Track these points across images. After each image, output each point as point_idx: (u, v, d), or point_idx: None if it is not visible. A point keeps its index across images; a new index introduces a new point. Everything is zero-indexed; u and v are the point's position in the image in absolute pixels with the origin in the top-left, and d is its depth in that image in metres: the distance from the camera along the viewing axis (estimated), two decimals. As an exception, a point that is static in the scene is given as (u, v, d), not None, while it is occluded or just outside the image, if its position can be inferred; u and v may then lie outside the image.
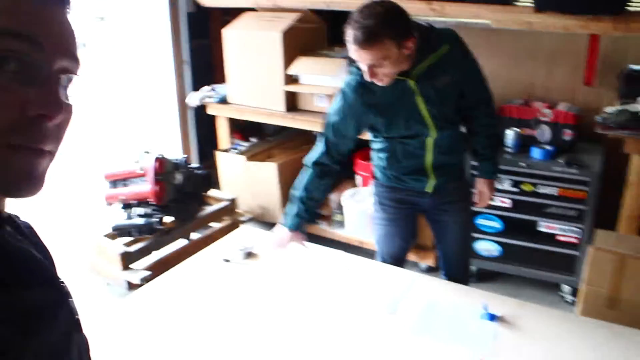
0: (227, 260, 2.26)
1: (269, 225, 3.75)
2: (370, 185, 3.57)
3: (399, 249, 2.41)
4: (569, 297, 3.10)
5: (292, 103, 3.58)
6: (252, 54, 3.52)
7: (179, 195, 3.24)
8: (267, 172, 3.60)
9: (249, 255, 2.29)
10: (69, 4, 0.70)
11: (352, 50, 1.85)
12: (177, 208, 3.24)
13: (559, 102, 3.15)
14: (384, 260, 2.41)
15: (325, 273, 2.16)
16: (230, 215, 3.66)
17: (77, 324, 0.84)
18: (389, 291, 2.03)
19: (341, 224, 3.66)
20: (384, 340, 1.77)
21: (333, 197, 3.65)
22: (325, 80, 3.35)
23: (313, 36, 3.63)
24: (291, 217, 2.22)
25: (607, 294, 2.49)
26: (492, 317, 1.86)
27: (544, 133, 3.03)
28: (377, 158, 2.28)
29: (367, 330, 1.82)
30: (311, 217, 2.27)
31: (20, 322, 0.67)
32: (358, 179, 3.73)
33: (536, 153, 2.97)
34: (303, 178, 2.21)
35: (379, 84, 1.93)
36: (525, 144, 3.05)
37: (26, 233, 0.80)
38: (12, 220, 0.78)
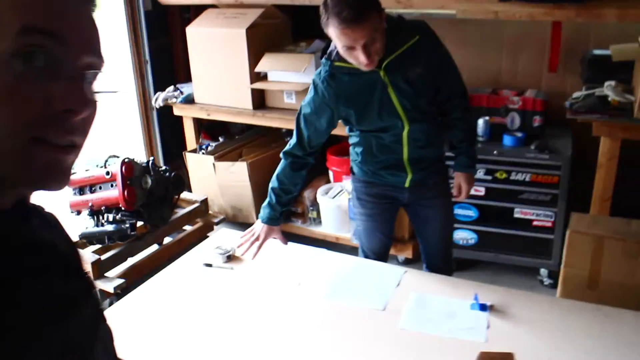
0: (209, 265, 2.20)
1: (244, 225, 3.70)
2: (343, 180, 3.57)
3: (381, 243, 2.40)
4: (547, 280, 3.16)
5: (260, 101, 3.53)
6: (217, 52, 3.46)
7: (150, 199, 3.15)
8: (238, 172, 3.54)
9: (230, 258, 2.24)
10: (94, 2, 0.73)
11: (341, 34, 1.80)
12: (148, 213, 3.15)
13: (526, 89, 3.20)
14: (367, 256, 2.40)
15: (311, 272, 2.13)
16: (203, 217, 3.60)
17: (101, 314, 0.87)
18: (377, 287, 2.01)
19: (316, 220, 3.63)
20: (376, 337, 1.76)
21: (307, 194, 3.62)
22: (293, 77, 3.31)
23: (277, 32, 3.58)
24: (263, 209, 2.23)
25: (586, 275, 2.54)
26: (483, 307, 1.86)
27: (514, 120, 3.07)
28: (354, 153, 2.26)
29: (359, 328, 1.80)
30: (283, 208, 2.24)
31: (49, 310, 0.70)
32: (331, 175, 3.71)
33: (507, 140, 3.01)
34: (277, 169, 2.22)
35: (368, 68, 1.89)
36: (495, 132, 3.09)
37: (52, 224, 0.83)
38: (38, 211, 0.80)
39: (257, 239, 2.21)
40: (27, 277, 0.68)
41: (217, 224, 3.62)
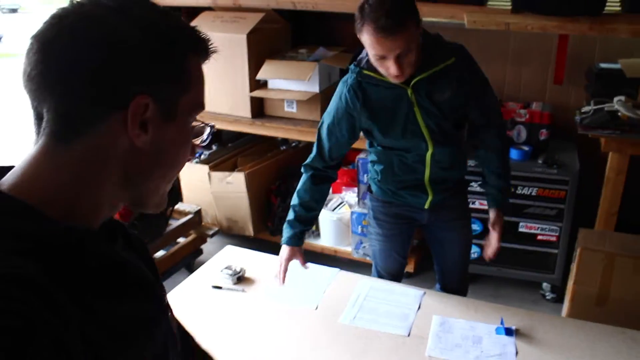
0: (218, 287, 2.10)
1: (239, 238, 3.61)
2: (343, 192, 3.50)
3: (396, 264, 2.33)
4: (550, 295, 3.14)
5: (259, 109, 3.42)
6: (215, 58, 3.32)
7: (144, 212, 3.03)
8: (235, 182, 3.43)
9: (240, 279, 2.15)
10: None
11: (375, 43, 1.72)
12: (143, 226, 3.03)
13: (530, 102, 3.17)
14: (380, 276, 2.33)
15: (328, 293, 2.05)
16: (196, 228, 3.48)
17: (174, 338, 0.91)
18: (398, 310, 1.95)
19: (315, 233, 3.55)
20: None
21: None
22: (295, 85, 3.22)
23: (277, 38, 3.48)
24: (284, 230, 2.13)
25: (595, 292, 2.51)
26: (509, 331, 1.82)
27: (520, 133, 3.04)
28: (374, 171, 2.18)
29: (384, 355, 1.73)
30: (304, 227, 2.12)
31: (124, 331, 0.73)
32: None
33: (514, 154, 2.97)
34: (298, 184, 2.13)
35: (398, 80, 1.82)
36: (501, 144, 3.05)
37: (136, 245, 0.88)
38: (124, 231, 0.87)
39: (280, 265, 2.09)
40: (107, 296, 0.72)
41: (211, 236, 3.51)
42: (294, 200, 2.12)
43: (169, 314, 0.91)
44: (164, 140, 0.76)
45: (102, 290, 0.71)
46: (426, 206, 2.13)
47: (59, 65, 0.70)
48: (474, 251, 3.15)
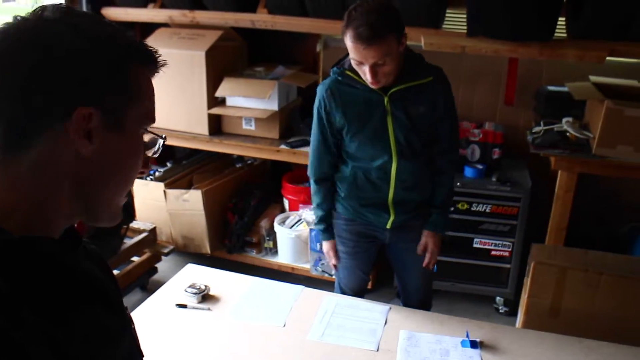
0: (183, 306, 2.06)
1: (194, 256, 3.55)
2: (300, 209, 3.51)
3: (360, 281, 2.36)
4: (503, 308, 3.23)
5: (217, 126, 3.41)
6: (173, 74, 3.30)
7: (99, 230, 2.95)
8: (192, 200, 3.38)
9: (205, 298, 2.12)
10: None
11: (355, 50, 1.83)
12: (97, 245, 2.92)
13: (483, 122, 3.28)
14: (344, 293, 2.35)
15: (294, 310, 2.04)
16: (151, 247, 3.41)
17: (139, 351, 0.92)
18: (365, 325, 1.96)
19: (272, 250, 3.54)
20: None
21: (263, 223, 3.52)
22: (254, 103, 3.23)
23: (235, 55, 3.49)
24: (318, 231, 2.35)
25: (548, 304, 2.61)
26: (474, 344, 1.86)
27: (474, 152, 3.13)
28: (339, 190, 2.22)
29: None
30: (328, 221, 2.29)
31: (93, 339, 0.74)
32: (286, 203, 3.63)
33: (469, 172, 3.07)
34: (313, 192, 2.26)
35: (375, 86, 1.92)
36: (456, 163, 3.14)
37: (94, 256, 0.88)
38: (83, 242, 0.87)
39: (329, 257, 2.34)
40: (75, 307, 0.72)
41: (166, 254, 3.45)
42: (313, 203, 2.31)
43: (132, 326, 0.91)
44: (112, 150, 0.77)
45: (67, 302, 0.71)
46: (388, 226, 2.18)
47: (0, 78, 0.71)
48: (430, 267, 3.22)
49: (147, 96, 0.81)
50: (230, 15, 3.21)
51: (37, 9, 0.74)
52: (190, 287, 2.12)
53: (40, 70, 0.70)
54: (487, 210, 3.05)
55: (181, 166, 3.79)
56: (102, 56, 0.74)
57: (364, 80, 1.95)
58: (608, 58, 2.68)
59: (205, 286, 2.13)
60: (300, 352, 1.84)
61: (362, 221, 2.21)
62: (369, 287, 3.33)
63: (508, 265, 3.13)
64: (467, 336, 1.88)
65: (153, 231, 3.42)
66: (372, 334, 1.93)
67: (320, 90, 2.07)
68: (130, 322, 0.90)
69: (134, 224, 3.42)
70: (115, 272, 3.21)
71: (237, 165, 3.79)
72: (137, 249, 3.31)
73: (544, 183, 3.03)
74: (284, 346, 1.86)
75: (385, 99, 1.97)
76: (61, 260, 0.73)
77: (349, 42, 1.83)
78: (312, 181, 2.23)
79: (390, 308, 2.08)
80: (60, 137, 0.72)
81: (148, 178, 3.58)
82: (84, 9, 3.49)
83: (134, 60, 0.78)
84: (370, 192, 2.13)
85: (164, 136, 0.88)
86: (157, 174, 3.64)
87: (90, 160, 0.75)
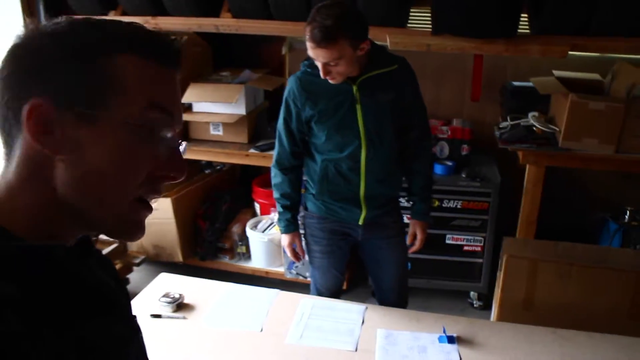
0: (157, 316, 2.03)
1: (166, 265, 3.50)
2: (272, 213, 3.49)
3: (335, 280, 2.36)
4: (477, 303, 3.26)
5: (184, 132, 3.37)
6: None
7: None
8: (162, 208, 3.34)
9: (180, 306, 2.09)
10: (180, 69, 0.79)
11: (309, 48, 1.89)
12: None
13: (450, 118, 3.31)
14: (320, 294, 2.35)
15: (271, 315, 2.03)
16: (121, 258, 3.35)
17: (146, 358, 0.91)
18: (343, 326, 1.96)
19: (245, 255, 3.51)
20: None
21: (235, 228, 3.49)
22: (221, 108, 3.20)
23: (199, 61, 3.46)
24: (280, 222, 2.32)
25: (522, 297, 2.64)
26: (451, 339, 1.88)
27: (443, 149, 3.16)
28: (310, 186, 2.24)
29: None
30: (292, 212, 2.30)
31: (102, 350, 0.72)
32: (257, 207, 3.61)
33: (438, 169, 3.09)
34: (277, 182, 2.27)
35: (332, 81, 1.96)
36: (426, 160, 3.16)
37: (106, 265, 0.87)
38: (95, 250, 0.84)
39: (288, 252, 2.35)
40: (85, 316, 0.71)
41: (137, 264, 3.40)
42: (275, 194, 2.29)
43: (140, 335, 0.89)
44: (88, 147, 0.69)
45: (77, 309, 0.69)
46: (360, 222, 2.19)
47: None
48: (404, 265, 3.24)
49: (142, 88, 0.72)
50: (193, 21, 3.18)
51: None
52: (164, 296, 2.09)
53: (5, 69, 0.69)
54: (458, 207, 3.08)
55: (150, 174, 3.74)
56: (65, 47, 0.69)
57: None
58: (570, 52, 2.73)
59: (180, 295, 2.11)
60: (279, 356, 1.83)
61: (334, 218, 2.21)
62: (344, 287, 3.34)
63: (480, 260, 3.16)
64: (444, 332, 1.90)
65: (123, 242, 3.36)
66: (350, 334, 1.93)
67: (290, 82, 2.10)
68: (138, 331, 0.88)
69: (103, 236, 3.35)
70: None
71: (206, 172, 3.75)
72: (107, 260, 3.25)
73: (513, 177, 3.07)
74: (262, 351, 1.85)
75: (354, 88, 2.02)
76: (72, 269, 0.71)
77: (306, 38, 1.89)
78: (276, 171, 2.24)
79: (366, 307, 2.08)
80: (25, 137, 0.68)
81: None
82: (41, 16, 3.43)
83: (115, 48, 0.71)
84: (341, 187, 2.14)
85: (180, 140, 0.78)
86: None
87: (63, 160, 0.69)
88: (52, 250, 0.69)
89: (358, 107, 2.03)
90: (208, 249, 3.48)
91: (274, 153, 2.25)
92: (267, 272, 3.43)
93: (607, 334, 1.94)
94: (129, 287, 3.31)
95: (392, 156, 2.16)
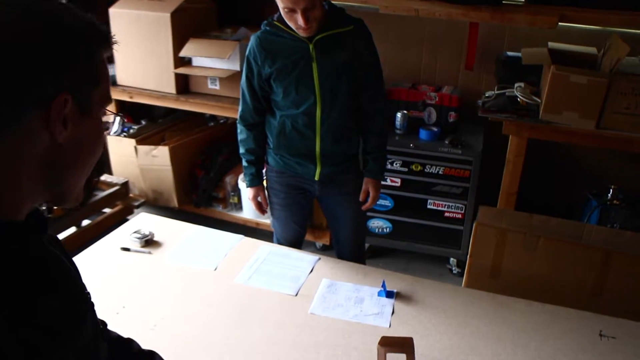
0: (126, 249, 2.19)
1: (164, 209, 3.69)
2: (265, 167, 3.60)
3: (294, 232, 2.47)
4: (455, 269, 3.32)
5: (184, 85, 3.51)
6: (141, 35, 3.40)
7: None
8: (160, 156, 3.52)
9: (148, 243, 2.24)
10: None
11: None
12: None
13: (443, 86, 3.33)
14: (280, 244, 2.46)
15: (228, 257, 2.16)
16: (123, 200, 3.56)
17: (101, 333, 0.94)
18: (291, 273, 2.07)
19: (237, 206, 3.66)
20: (286, 321, 1.81)
21: (228, 179, 3.64)
22: (217, 63, 3.31)
23: (203, 17, 3.56)
24: (245, 176, 2.42)
25: (489, 265, 2.68)
26: (390, 294, 1.95)
27: (431, 115, 3.20)
28: (270, 141, 2.33)
29: (270, 313, 1.85)
30: (257, 166, 2.39)
31: (59, 326, 0.74)
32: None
33: (423, 134, 3.14)
34: (242, 138, 2.35)
35: (305, 33, 2.03)
36: (413, 125, 3.21)
37: (56, 243, 0.89)
38: (47, 227, 0.86)
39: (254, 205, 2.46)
40: (40, 292, 0.73)
41: (137, 207, 3.59)
42: (241, 149, 2.38)
43: (94, 310, 0.92)
44: (82, 134, 0.78)
45: (33, 286, 0.72)
46: (316, 177, 2.28)
47: None
48: (386, 226, 3.32)
49: (106, 77, 0.82)
50: (199, -23, 3.29)
51: None
52: (135, 232, 2.25)
53: (16, 60, 0.70)
54: (440, 173, 3.12)
55: (155, 124, 3.91)
56: (73, 42, 0.75)
57: (290, 30, 2.07)
58: (570, 24, 2.71)
59: (150, 232, 2.26)
60: (224, 293, 1.95)
61: (291, 173, 2.32)
62: (327, 243, 3.45)
63: (461, 227, 3.21)
64: (383, 286, 1.97)
65: (125, 185, 3.56)
66: (295, 280, 2.03)
67: (252, 40, 2.18)
68: (92, 306, 0.91)
69: (108, 178, 3.57)
70: (87, 222, 3.36)
71: (210, 125, 3.89)
72: (108, 201, 3.46)
73: (499, 148, 3.08)
74: (211, 287, 1.97)
75: (311, 46, 2.09)
76: (27, 247, 0.74)
77: None
78: (241, 127, 2.33)
79: (319, 258, 2.17)
80: (35, 124, 0.72)
81: (122, 135, 3.71)
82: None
83: (97, 43, 0.79)
84: (297, 142, 2.23)
85: (122, 115, 0.92)
86: (131, 131, 3.76)
87: (62, 146, 0.75)
88: (5, 228, 0.72)
89: (314, 65, 2.10)
90: (202, 197, 3.65)
91: (239, 110, 2.33)
92: (257, 224, 3.57)
93: (546, 304, 1.96)
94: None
95: (347, 115, 2.23)
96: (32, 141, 0.73)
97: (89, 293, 0.91)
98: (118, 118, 0.91)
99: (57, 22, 0.74)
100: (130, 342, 1.20)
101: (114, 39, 0.82)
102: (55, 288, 0.77)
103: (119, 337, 1.18)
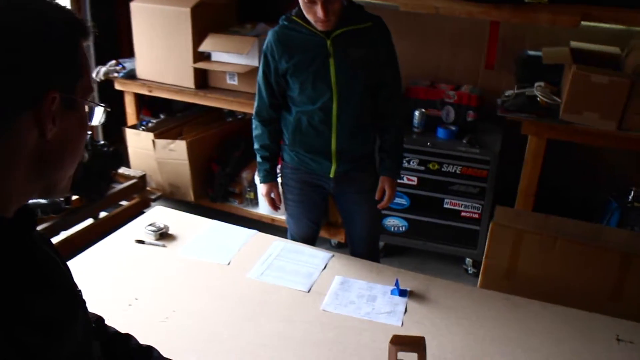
0: (141, 242, 2.21)
1: (180, 203, 3.71)
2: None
3: (308, 229, 2.47)
4: (471, 269, 3.30)
5: (203, 80, 3.53)
6: (161, 29, 3.43)
7: (87, 173, 3.13)
8: (178, 150, 3.54)
9: (163, 236, 2.25)
10: None
11: None
12: (84, 187, 3.12)
13: (463, 84, 3.30)
14: (294, 240, 2.45)
15: (242, 252, 2.16)
16: (140, 193, 3.58)
17: (93, 331, 0.93)
18: (304, 269, 2.07)
19: (253, 201, 3.67)
20: (298, 317, 1.81)
21: (245, 174, 3.65)
22: (236, 59, 3.32)
23: (223, 12, 3.57)
24: (259, 172, 2.42)
25: (505, 266, 2.66)
26: (403, 292, 1.94)
27: (449, 114, 3.17)
28: (285, 138, 2.33)
29: (282, 308, 1.85)
30: (271, 163, 2.39)
31: (44, 326, 0.72)
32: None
33: (441, 133, 3.12)
34: (257, 134, 2.35)
35: (324, 26, 2.03)
36: (431, 124, 3.19)
37: (46, 241, 0.89)
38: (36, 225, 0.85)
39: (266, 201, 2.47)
40: (30, 290, 0.72)
41: (154, 200, 3.62)
42: (255, 145, 2.38)
43: (85, 308, 0.92)
44: (67, 127, 0.77)
45: (24, 284, 0.72)
46: (331, 175, 2.27)
47: None
48: (402, 225, 3.30)
49: (87, 67, 0.81)
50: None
51: None
52: (150, 225, 2.27)
53: (4, 62, 0.69)
54: (457, 172, 3.10)
55: (174, 118, 3.94)
56: (56, 38, 0.74)
57: (308, 25, 2.07)
58: (593, 24, 2.67)
59: (165, 225, 2.27)
60: (237, 287, 1.95)
61: (306, 169, 2.31)
62: (342, 241, 3.44)
63: (477, 227, 3.18)
64: (397, 284, 1.96)
65: (142, 178, 3.59)
66: (308, 277, 2.03)
67: (269, 36, 2.18)
68: (83, 304, 0.91)
69: (126, 171, 3.60)
70: (104, 214, 3.39)
71: (228, 120, 3.91)
72: (125, 193, 3.49)
73: (518, 149, 3.05)
74: (224, 281, 1.98)
75: (328, 42, 2.08)
76: (15, 244, 0.73)
77: None
78: (257, 122, 2.33)
79: (332, 255, 2.17)
80: (26, 123, 0.71)
81: (140, 128, 3.74)
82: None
83: (78, 35, 0.78)
84: (313, 138, 2.23)
85: (105, 105, 0.88)
86: (149, 124, 3.79)
87: (51, 142, 0.75)
88: None
89: (331, 61, 2.10)
90: (218, 191, 3.66)
91: (254, 105, 2.34)
92: (272, 219, 3.57)
93: (562, 306, 1.94)
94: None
95: (363, 112, 2.22)
96: (21, 140, 0.72)
97: (80, 291, 0.90)
98: (102, 108, 0.88)
99: (41, 17, 0.73)
100: (128, 337, 1.20)
101: (90, 27, 0.81)
102: (45, 286, 0.76)
103: (117, 333, 1.18)
